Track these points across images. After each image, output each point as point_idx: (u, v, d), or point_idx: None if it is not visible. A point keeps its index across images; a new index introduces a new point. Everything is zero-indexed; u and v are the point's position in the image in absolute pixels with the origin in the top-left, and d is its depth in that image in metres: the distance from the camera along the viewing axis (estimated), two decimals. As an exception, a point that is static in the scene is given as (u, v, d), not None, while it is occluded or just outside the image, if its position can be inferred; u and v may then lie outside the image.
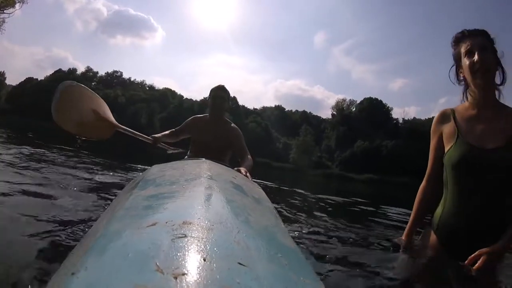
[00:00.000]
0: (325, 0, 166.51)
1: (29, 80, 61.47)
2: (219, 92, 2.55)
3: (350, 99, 54.78)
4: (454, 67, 1.42)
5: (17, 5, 28.19)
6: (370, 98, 51.58)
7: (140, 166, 5.08)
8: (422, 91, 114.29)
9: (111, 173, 3.82)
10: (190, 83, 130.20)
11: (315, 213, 2.61)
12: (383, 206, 5.46)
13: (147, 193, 0.80)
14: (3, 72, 64.39)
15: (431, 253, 1.42)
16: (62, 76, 57.22)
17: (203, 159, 1.49)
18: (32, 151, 4.85)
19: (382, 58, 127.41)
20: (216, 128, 2.52)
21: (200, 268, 0.41)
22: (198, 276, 0.39)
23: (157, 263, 0.41)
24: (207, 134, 2.50)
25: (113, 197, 2.00)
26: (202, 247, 0.46)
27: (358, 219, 2.33)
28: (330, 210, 3.10)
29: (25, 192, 2.00)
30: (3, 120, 23.35)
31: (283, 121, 55.74)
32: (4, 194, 1.87)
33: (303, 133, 47.65)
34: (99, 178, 3.26)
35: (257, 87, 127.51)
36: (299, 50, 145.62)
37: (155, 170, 1.15)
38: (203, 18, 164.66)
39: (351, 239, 1.68)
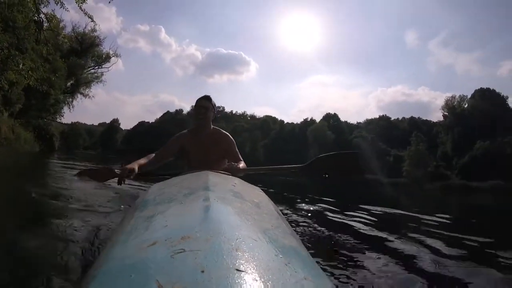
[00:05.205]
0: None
1: (141, 124, 71.69)
2: (202, 102, 2.46)
3: (460, 95, 47.40)
4: None
5: (112, 59, 30.99)
6: (481, 89, 44.17)
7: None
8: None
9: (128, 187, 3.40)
10: (288, 108, 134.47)
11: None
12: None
13: (147, 213, 0.81)
14: (117, 119, 78.03)
15: None
16: (170, 117, 67.11)
17: (199, 171, 1.47)
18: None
19: (484, 43, 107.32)
20: (206, 139, 2.44)
21: (198, 279, 0.42)
22: None
23: (158, 280, 0.42)
24: (199, 147, 2.42)
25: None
26: (200, 259, 0.47)
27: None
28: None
29: (30, 209, 2.02)
30: (119, 158, 25.76)
31: (391, 132, 51.24)
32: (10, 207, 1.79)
33: (414, 141, 42.56)
34: (118, 196, 3.06)
35: (357, 101, 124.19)
36: (393, 55, 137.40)
37: (155, 189, 1.17)
38: (289, 44, 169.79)
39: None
